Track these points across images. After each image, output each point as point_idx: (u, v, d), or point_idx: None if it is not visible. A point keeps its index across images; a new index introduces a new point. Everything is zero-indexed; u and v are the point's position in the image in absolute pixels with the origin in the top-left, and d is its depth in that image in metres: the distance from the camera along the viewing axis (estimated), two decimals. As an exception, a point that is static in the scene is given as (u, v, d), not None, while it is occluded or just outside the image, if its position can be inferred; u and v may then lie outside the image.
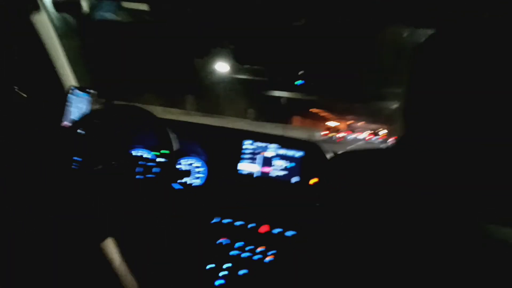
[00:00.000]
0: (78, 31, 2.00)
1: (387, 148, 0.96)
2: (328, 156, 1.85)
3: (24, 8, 1.60)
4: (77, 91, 1.94)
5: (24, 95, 1.61)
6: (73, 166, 1.67)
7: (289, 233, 1.76)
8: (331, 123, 38.86)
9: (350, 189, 0.90)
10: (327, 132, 25.44)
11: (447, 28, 0.84)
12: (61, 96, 1.88)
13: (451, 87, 0.78)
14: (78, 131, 1.68)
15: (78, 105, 1.95)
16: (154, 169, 1.81)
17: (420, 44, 0.87)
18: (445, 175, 0.78)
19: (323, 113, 35.26)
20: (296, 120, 31.74)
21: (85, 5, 1.78)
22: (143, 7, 1.78)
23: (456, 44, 0.80)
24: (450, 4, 1.10)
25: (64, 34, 1.87)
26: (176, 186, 1.85)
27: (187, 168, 1.91)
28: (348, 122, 39.65)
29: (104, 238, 1.44)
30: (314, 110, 33.84)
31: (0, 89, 1.50)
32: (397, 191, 0.81)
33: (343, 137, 25.74)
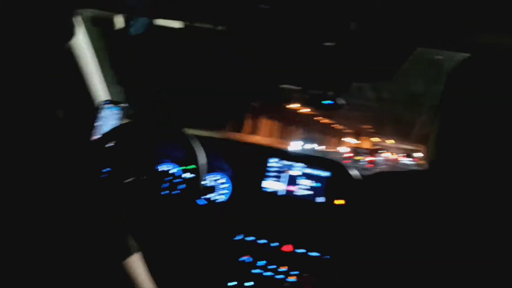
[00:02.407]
0: (112, 47, 2.05)
1: (419, 172, 0.94)
2: (355, 177, 1.83)
3: (60, 22, 1.65)
4: (109, 105, 1.99)
5: (58, 108, 1.66)
6: (101, 178, 1.70)
7: (312, 254, 1.74)
8: (351, 140, 35.85)
9: (379, 213, 0.89)
10: (351, 154, 22.24)
11: (481, 55, 0.83)
12: (93, 110, 1.93)
13: (482, 115, 0.77)
14: (107, 144, 1.71)
15: (109, 119, 1.99)
16: (180, 186, 1.83)
17: (453, 70, 0.86)
18: (476, 202, 0.76)
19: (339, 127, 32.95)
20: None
21: (120, 21, 1.84)
22: (177, 24, 1.82)
23: (489, 72, 0.79)
24: (485, 29, 1.08)
25: (98, 48, 1.93)
26: (200, 202, 1.86)
27: (212, 184, 1.92)
28: (374, 140, 37.05)
29: (128, 253, 1.44)
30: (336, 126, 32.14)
31: (36, 99, 1.55)
32: (427, 216, 0.79)
33: (372, 161, 21.24)
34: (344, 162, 2.58)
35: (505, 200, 0.76)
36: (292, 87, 1.72)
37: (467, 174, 0.79)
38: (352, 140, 35.30)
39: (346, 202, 1.75)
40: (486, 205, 0.76)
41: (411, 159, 25.68)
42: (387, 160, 26.69)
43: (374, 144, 36.41)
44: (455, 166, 0.82)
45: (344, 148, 28.45)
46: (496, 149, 0.76)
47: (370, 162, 20.84)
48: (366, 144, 33.41)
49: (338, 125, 30.63)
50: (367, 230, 0.90)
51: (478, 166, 0.78)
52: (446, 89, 0.87)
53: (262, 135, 20.69)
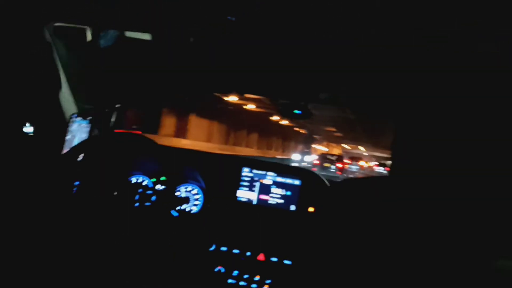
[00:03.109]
0: (81, 60, 2.03)
1: (383, 178, 0.98)
2: (326, 184, 1.86)
3: (27, 36, 1.64)
4: (78, 119, 1.97)
5: (28, 122, 1.64)
6: (73, 191, 1.68)
7: (286, 262, 1.75)
8: (321, 148, 34.89)
9: (350, 218, 0.91)
10: (318, 161, 21.51)
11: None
12: (62, 124, 1.90)
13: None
14: (78, 157, 1.69)
15: (79, 132, 1.97)
16: (152, 198, 1.82)
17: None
18: (437, 205, 0.80)
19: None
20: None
21: (88, 34, 1.83)
22: (146, 36, 1.82)
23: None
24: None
25: (66, 62, 1.91)
26: (174, 213, 1.85)
27: (186, 195, 1.92)
28: (345, 147, 36.89)
29: (102, 266, 1.43)
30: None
31: (3, 115, 1.53)
32: (394, 221, 0.82)
33: (341, 168, 21.10)
34: (312, 169, 2.61)
35: (464, 202, 0.79)
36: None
37: (426, 178, 0.83)
38: (322, 148, 35.16)
39: (316, 209, 1.78)
40: (448, 208, 0.80)
41: (383, 167, 24.77)
42: (361, 168, 26.32)
43: (344, 151, 36.47)
44: (414, 171, 0.86)
45: (312, 155, 28.03)
46: (452, 154, 0.81)
47: (339, 169, 20.79)
48: (335, 151, 33.41)
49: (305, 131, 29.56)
50: (337, 237, 0.93)
51: (435, 171, 0.82)
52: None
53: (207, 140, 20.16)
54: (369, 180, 0.98)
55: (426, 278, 0.78)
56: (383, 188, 0.93)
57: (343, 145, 35.11)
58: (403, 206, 0.85)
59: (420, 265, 0.78)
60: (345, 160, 24.63)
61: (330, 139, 31.91)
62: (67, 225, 1.51)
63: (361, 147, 31.41)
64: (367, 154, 34.30)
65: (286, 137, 33.47)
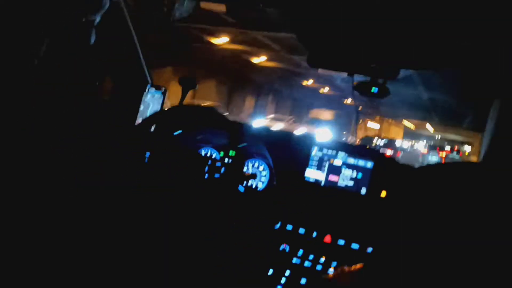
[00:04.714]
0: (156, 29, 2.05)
1: (469, 165, 0.89)
2: (400, 168, 1.76)
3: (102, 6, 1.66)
4: (153, 89, 2.00)
5: (104, 92, 1.69)
6: (144, 161, 1.73)
7: (353, 246, 1.70)
8: (372, 125, 28.09)
9: (424, 206, 0.84)
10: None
11: None
12: (137, 94, 1.94)
13: None
14: (150, 128, 1.73)
15: (152, 104, 2.01)
16: (221, 170, 1.83)
17: None
18: None
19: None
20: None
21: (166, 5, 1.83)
22: (221, 8, 1.79)
23: None
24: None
25: (141, 32, 1.92)
26: (241, 188, 1.85)
27: (254, 171, 1.91)
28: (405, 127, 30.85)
29: (166, 236, 1.46)
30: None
31: (80, 84, 1.58)
32: (474, 213, 0.75)
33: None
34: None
35: None
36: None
37: None
38: (373, 125, 29.48)
39: (389, 194, 1.70)
40: None
41: (456, 152, 21.60)
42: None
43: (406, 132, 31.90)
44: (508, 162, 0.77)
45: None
46: None
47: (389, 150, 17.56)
48: (393, 130, 29.60)
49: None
50: (409, 224, 0.87)
51: None
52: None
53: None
54: (449, 167, 0.89)
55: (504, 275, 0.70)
56: (465, 177, 0.84)
57: (405, 122, 29.88)
58: (487, 198, 0.76)
59: (498, 261, 0.71)
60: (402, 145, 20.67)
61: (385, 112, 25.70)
62: (137, 195, 1.56)
63: (429, 126, 27.62)
64: (437, 137, 29.79)
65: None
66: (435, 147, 22.63)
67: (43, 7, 1.15)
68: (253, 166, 1.92)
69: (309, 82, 19.89)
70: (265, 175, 1.90)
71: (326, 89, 21.51)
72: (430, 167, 0.94)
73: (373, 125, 29.09)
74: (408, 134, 30.77)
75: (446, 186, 0.84)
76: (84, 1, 1.22)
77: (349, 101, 20.81)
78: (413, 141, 27.69)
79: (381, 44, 1.40)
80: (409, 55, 1.44)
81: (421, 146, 24.86)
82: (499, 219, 0.73)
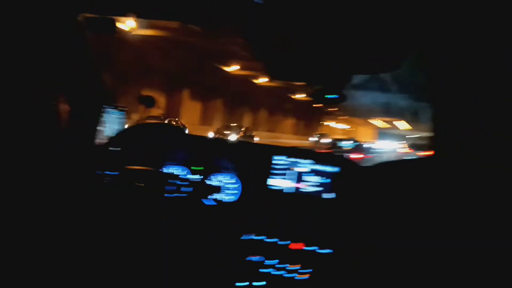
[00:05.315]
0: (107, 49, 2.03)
1: (422, 161, 0.92)
2: (363, 170, 1.80)
3: (62, 28, 1.64)
4: (111, 109, 1.98)
5: (61, 112, 1.66)
6: (105, 182, 1.69)
7: (323, 251, 1.71)
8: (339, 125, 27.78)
9: (389, 204, 0.87)
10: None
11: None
12: (96, 114, 1.91)
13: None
14: (112, 148, 1.70)
15: (112, 123, 1.98)
16: (185, 188, 1.82)
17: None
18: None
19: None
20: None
21: (120, 24, 1.82)
22: (175, 24, 1.80)
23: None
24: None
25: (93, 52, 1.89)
26: (208, 202, 1.84)
27: (218, 184, 1.90)
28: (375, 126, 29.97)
29: (133, 256, 1.44)
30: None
31: (38, 104, 1.54)
32: (439, 206, 0.77)
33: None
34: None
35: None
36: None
37: (469, 163, 0.78)
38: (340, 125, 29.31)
39: (353, 197, 1.73)
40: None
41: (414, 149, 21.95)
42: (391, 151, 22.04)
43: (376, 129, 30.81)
44: (458, 155, 0.81)
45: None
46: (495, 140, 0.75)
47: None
48: (360, 129, 28.64)
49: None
50: (377, 223, 0.89)
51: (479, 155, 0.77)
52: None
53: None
54: (409, 163, 0.92)
55: (473, 268, 0.73)
56: (424, 171, 0.88)
57: (375, 121, 28.86)
58: (446, 190, 0.79)
59: (464, 254, 0.73)
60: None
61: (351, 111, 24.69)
62: (99, 216, 1.52)
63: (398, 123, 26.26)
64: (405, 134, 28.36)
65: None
66: (412, 146, 21.28)
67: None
68: (218, 179, 1.91)
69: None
70: (234, 188, 1.90)
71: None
72: (387, 164, 0.97)
73: (341, 126, 28.94)
74: (381, 135, 29.22)
75: (403, 181, 0.87)
76: None
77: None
78: (387, 141, 26.28)
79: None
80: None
81: (395, 146, 23.98)
82: (454, 208, 0.76)
